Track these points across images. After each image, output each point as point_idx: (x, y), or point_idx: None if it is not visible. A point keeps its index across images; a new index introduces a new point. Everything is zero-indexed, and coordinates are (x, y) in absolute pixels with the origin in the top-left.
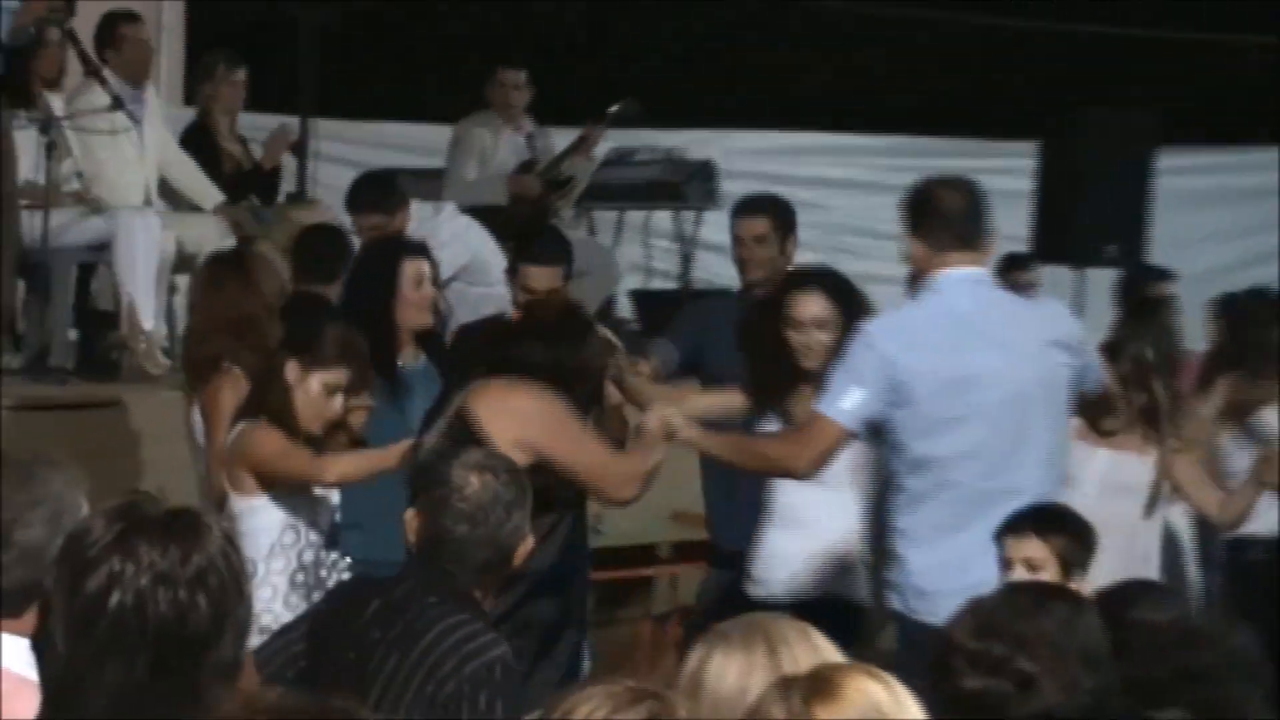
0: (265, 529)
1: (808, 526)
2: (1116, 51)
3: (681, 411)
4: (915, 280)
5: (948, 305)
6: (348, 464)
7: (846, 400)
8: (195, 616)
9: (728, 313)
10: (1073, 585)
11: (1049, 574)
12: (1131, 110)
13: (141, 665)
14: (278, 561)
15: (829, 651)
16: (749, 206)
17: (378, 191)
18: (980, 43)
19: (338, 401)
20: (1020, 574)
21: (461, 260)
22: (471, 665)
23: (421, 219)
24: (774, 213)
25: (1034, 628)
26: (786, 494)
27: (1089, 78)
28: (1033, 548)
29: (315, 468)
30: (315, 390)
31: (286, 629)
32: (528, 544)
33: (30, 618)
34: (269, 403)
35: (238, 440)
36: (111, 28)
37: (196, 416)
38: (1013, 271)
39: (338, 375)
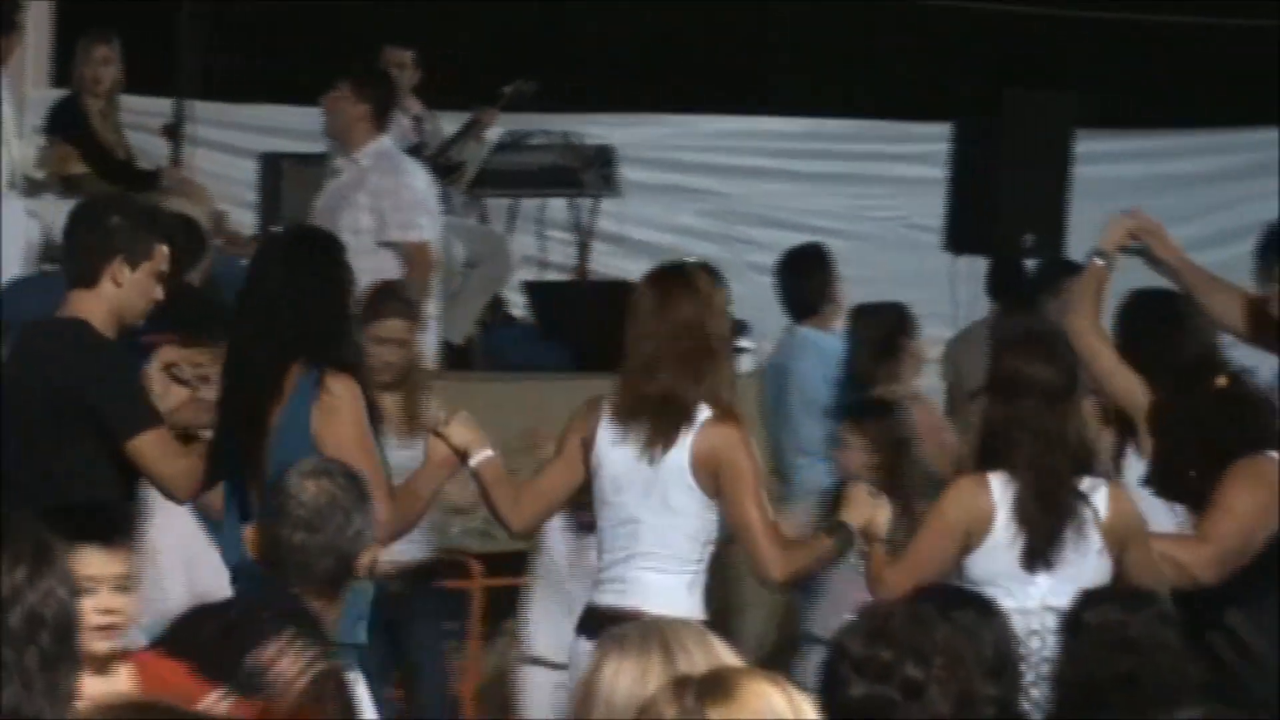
0: None
1: None
2: (1035, 31)
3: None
4: None
5: None
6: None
7: None
8: None
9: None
10: None
11: None
12: (1050, 91)
13: None
14: None
15: (728, 658)
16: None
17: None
18: (890, 21)
19: None
20: None
21: None
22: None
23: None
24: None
25: (926, 635)
26: None
27: (1006, 58)
28: None
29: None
30: None
31: None
32: (372, 551)
33: None
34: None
35: None
36: None
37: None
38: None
39: None
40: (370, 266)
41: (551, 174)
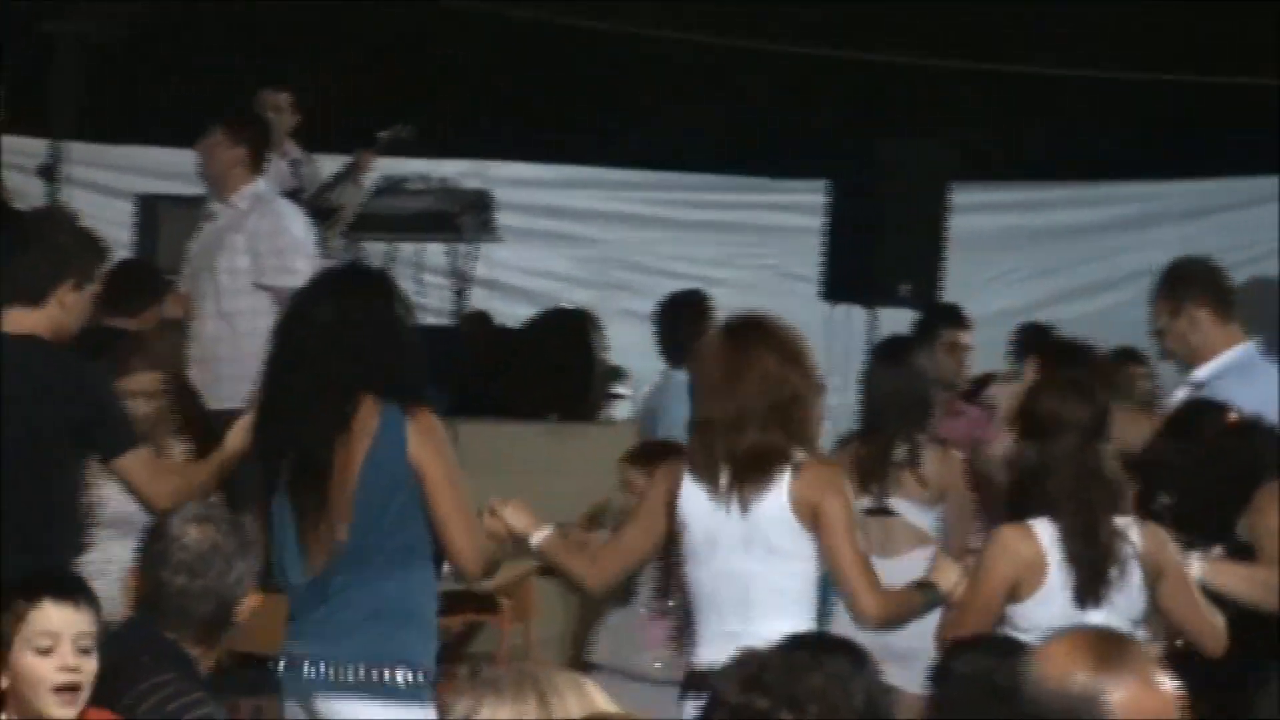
0: None
1: None
2: (911, 83)
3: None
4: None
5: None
6: None
7: None
8: None
9: None
10: None
11: None
12: (927, 144)
13: None
14: None
15: (602, 702)
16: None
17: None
18: (768, 72)
19: None
20: None
21: None
22: None
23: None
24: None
25: (800, 683)
26: None
27: (883, 110)
28: None
29: None
30: None
31: None
32: (253, 598)
33: None
34: None
35: None
36: None
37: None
38: None
39: None
40: (247, 307)
41: (429, 219)
